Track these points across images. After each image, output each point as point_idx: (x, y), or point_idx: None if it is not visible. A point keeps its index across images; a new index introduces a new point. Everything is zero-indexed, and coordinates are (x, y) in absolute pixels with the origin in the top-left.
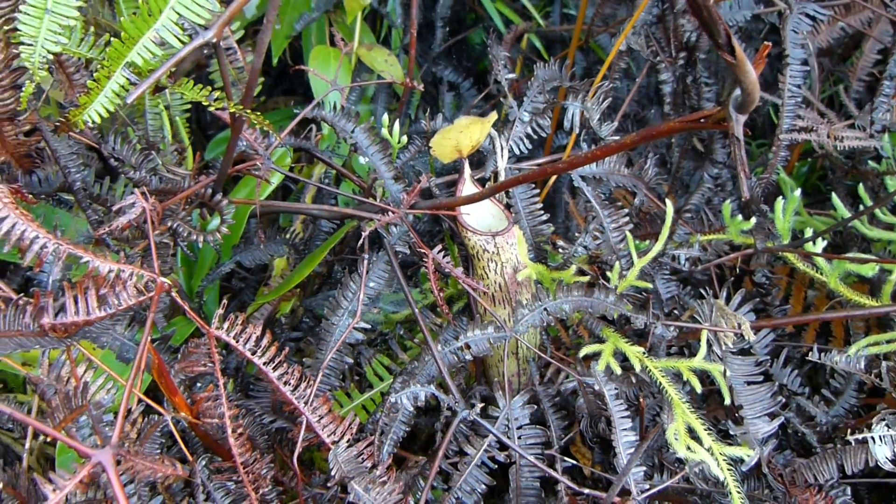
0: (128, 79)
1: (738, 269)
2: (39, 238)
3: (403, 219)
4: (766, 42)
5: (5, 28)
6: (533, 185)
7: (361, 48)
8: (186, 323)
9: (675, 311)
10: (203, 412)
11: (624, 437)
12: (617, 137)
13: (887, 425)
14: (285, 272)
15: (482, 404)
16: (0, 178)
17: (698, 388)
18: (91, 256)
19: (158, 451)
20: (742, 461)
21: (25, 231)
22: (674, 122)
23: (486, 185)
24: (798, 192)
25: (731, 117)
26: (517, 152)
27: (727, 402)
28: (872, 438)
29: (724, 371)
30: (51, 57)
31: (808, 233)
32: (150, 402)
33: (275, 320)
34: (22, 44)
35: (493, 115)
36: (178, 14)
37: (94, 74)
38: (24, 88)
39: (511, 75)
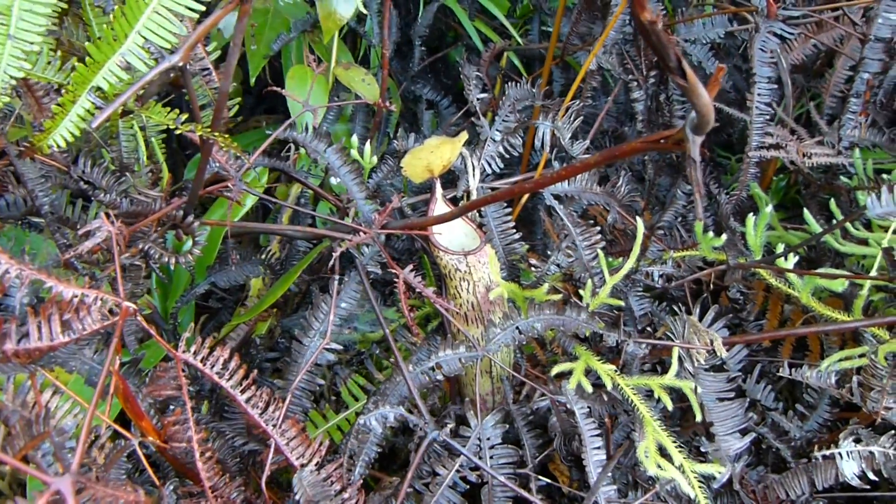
0: (93, 103)
1: (712, 286)
2: (2, 263)
3: (375, 239)
4: (721, 66)
5: None
6: (505, 205)
7: (339, 68)
8: (158, 346)
9: (649, 328)
10: (172, 436)
11: (595, 456)
12: (589, 156)
13: (855, 441)
14: (262, 292)
15: (454, 424)
16: None
17: (669, 406)
18: (55, 282)
19: (125, 476)
20: (714, 478)
21: None
22: (635, 142)
23: (459, 204)
24: (769, 207)
25: (687, 139)
26: (490, 171)
27: (699, 419)
28: (840, 454)
29: (696, 388)
30: (14, 82)
31: (781, 248)
32: (116, 427)
33: (251, 341)
34: None
35: (464, 135)
36: (145, 38)
37: (60, 99)
38: None
39: (483, 95)
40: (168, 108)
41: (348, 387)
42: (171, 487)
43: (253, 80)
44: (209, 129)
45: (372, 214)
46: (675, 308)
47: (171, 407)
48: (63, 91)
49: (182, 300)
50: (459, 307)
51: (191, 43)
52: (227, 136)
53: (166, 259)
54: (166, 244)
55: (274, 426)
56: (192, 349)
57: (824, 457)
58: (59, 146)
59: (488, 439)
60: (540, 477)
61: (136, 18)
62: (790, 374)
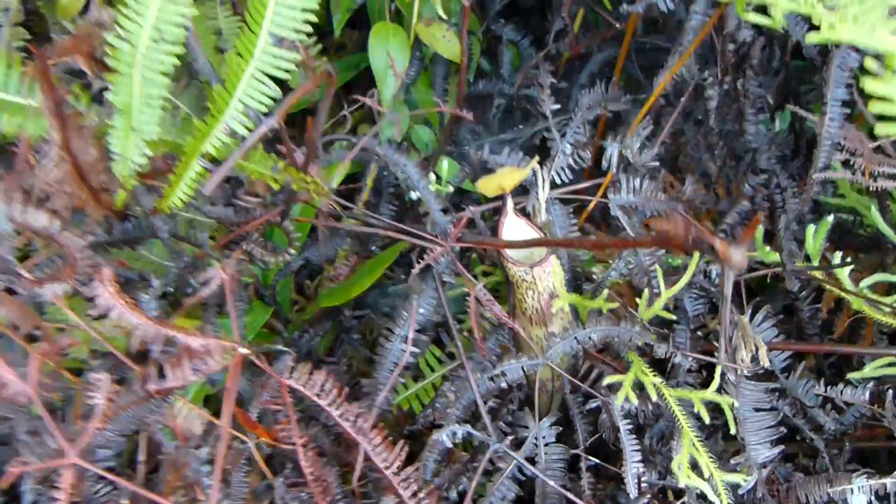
0: (204, 167)
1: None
2: (142, 324)
3: (450, 252)
4: (758, 216)
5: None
6: (572, 212)
7: (420, 24)
8: (260, 312)
9: (700, 332)
10: (280, 440)
11: (633, 469)
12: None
13: (866, 477)
14: (345, 262)
15: (511, 437)
16: (101, 256)
17: (706, 420)
18: (184, 336)
19: (244, 474)
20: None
21: (130, 319)
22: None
23: (528, 215)
24: (831, 217)
25: (721, 273)
26: (559, 181)
27: (733, 431)
28: (851, 490)
29: (733, 404)
30: (138, 168)
31: (838, 256)
32: (237, 434)
33: (339, 310)
34: (112, 159)
35: (535, 160)
36: (244, 104)
37: (175, 167)
38: (117, 195)
39: (555, 106)
40: (266, 155)
41: (426, 358)
42: (281, 480)
43: (337, 32)
44: (302, 178)
45: (448, 226)
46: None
47: (277, 411)
48: (177, 160)
49: (280, 275)
50: (524, 311)
51: (285, 107)
52: (318, 183)
53: (268, 258)
54: (266, 243)
55: (363, 435)
56: (295, 376)
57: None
58: (177, 206)
59: (544, 437)
60: (590, 458)
61: (236, 87)
62: (825, 392)
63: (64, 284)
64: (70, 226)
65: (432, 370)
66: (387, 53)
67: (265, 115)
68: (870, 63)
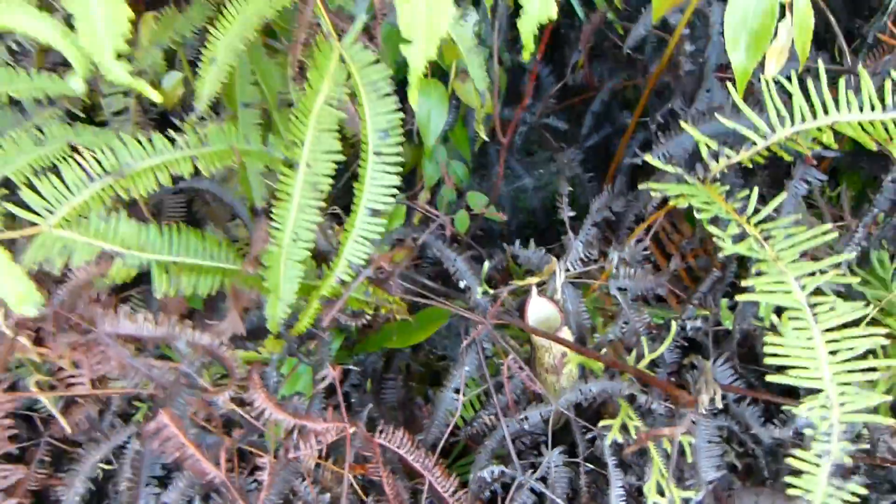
0: (321, 305)
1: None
2: (287, 421)
3: (489, 327)
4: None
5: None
6: (581, 291)
7: (457, 80)
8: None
9: (674, 378)
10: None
11: (616, 492)
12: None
13: None
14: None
15: (535, 472)
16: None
17: (670, 451)
18: (311, 423)
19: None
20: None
21: (273, 415)
22: (630, 371)
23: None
24: None
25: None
26: (573, 270)
27: (689, 460)
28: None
29: (691, 442)
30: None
31: None
32: (338, 469)
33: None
34: (264, 318)
35: (554, 262)
36: (349, 261)
37: (304, 307)
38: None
39: (571, 213)
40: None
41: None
42: (372, 497)
43: None
44: (387, 299)
45: (487, 305)
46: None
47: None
48: (305, 301)
49: None
50: (542, 365)
51: (376, 263)
52: (399, 302)
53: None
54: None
55: (428, 470)
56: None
57: None
58: (299, 334)
59: (554, 461)
60: (588, 464)
61: (343, 250)
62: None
63: (230, 391)
64: (231, 345)
65: (474, 409)
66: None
67: (364, 267)
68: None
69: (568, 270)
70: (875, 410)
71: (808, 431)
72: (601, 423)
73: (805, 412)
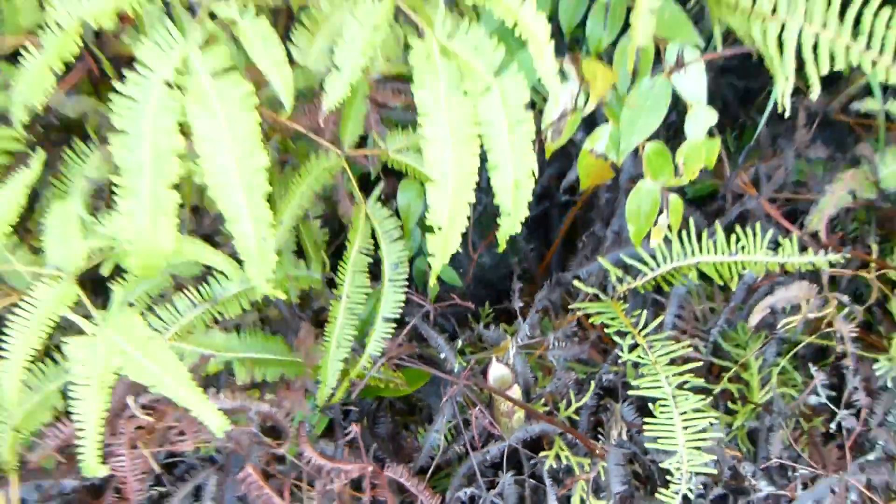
0: (349, 383)
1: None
2: (325, 464)
3: (461, 388)
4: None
5: None
6: (526, 357)
7: None
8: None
9: (593, 419)
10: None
11: (552, 502)
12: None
13: None
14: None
15: (494, 489)
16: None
17: (588, 471)
18: (342, 465)
19: None
20: None
21: (315, 460)
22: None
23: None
24: None
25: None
26: (521, 343)
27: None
28: None
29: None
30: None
31: None
32: (354, 493)
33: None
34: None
35: (508, 341)
36: (371, 354)
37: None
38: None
39: (520, 304)
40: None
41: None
42: None
43: None
44: (390, 376)
45: (461, 369)
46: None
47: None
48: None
49: None
50: (499, 410)
51: (390, 355)
52: (400, 378)
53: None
54: None
55: (421, 494)
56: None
57: None
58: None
59: (507, 481)
60: (533, 481)
61: (367, 347)
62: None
63: (286, 446)
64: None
65: (447, 441)
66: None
67: (380, 357)
68: None
69: (518, 343)
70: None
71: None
72: (542, 454)
73: (666, 465)
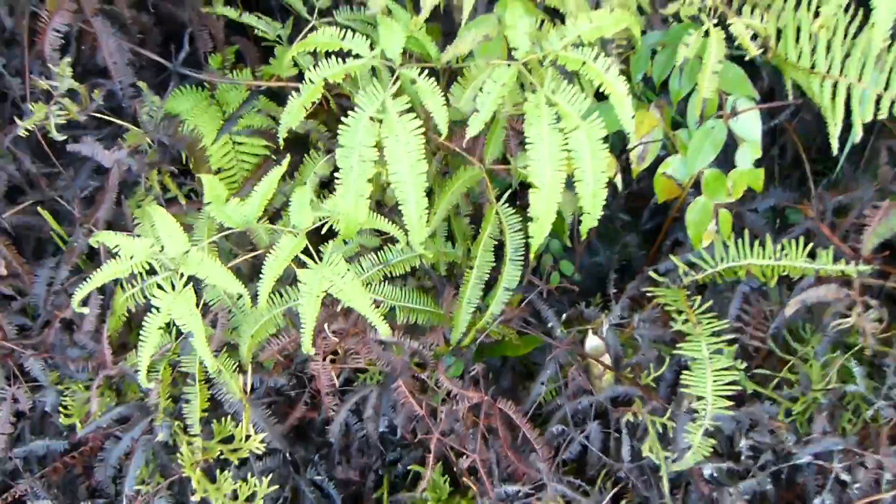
0: (476, 332)
1: None
2: (454, 390)
3: (563, 350)
4: None
5: None
6: (618, 334)
7: None
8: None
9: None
10: None
11: (626, 448)
12: None
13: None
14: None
15: (582, 432)
16: None
17: (658, 428)
18: (467, 392)
19: None
20: None
21: (446, 385)
22: None
23: (600, 335)
24: None
25: None
26: (614, 321)
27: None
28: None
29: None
30: None
31: None
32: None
33: None
34: None
35: (603, 318)
36: (493, 312)
37: (467, 333)
38: None
39: (614, 290)
40: None
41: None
42: (492, 437)
43: None
44: None
45: (564, 337)
46: None
47: None
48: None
49: None
50: (593, 374)
51: (507, 313)
52: None
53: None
54: None
55: (523, 425)
56: None
57: None
58: (462, 346)
59: (594, 427)
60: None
61: (490, 307)
62: None
63: (427, 373)
64: None
65: (552, 395)
66: None
67: (500, 314)
68: None
69: (611, 321)
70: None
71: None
72: (623, 409)
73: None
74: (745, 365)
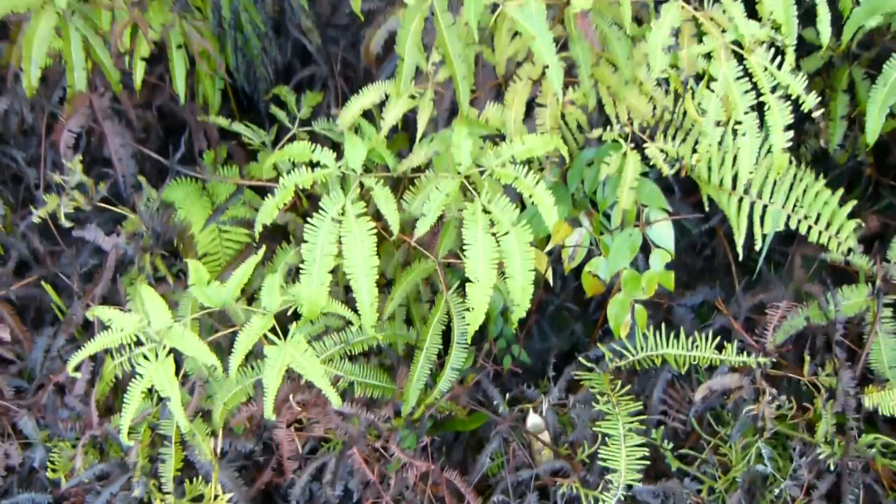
0: (425, 407)
1: None
2: (405, 460)
3: (506, 426)
4: None
5: None
6: (556, 413)
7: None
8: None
9: None
10: None
11: None
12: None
13: None
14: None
15: None
16: None
17: (591, 501)
18: (417, 462)
19: None
20: None
21: (397, 455)
22: None
23: (540, 413)
24: None
25: None
26: (553, 402)
27: None
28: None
29: None
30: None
31: None
32: (422, 485)
33: None
34: None
35: (542, 399)
36: (441, 390)
37: (417, 407)
38: None
39: (553, 373)
40: None
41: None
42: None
43: None
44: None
45: (507, 415)
46: None
47: None
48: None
49: None
50: (534, 448)
51: (454, 393)
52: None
53: (437, 415)
54: None
55: (468, 493)
56: None
57: None
58: (414, 419)
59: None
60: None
61: (437, 386)
62: None
63: (381, 442)
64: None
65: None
66: None
67: (448, 391)
68: None
69: (550, 401)
70: None
71: None
72: (559, 482)
73: (609, 477)
74: (671, 445)
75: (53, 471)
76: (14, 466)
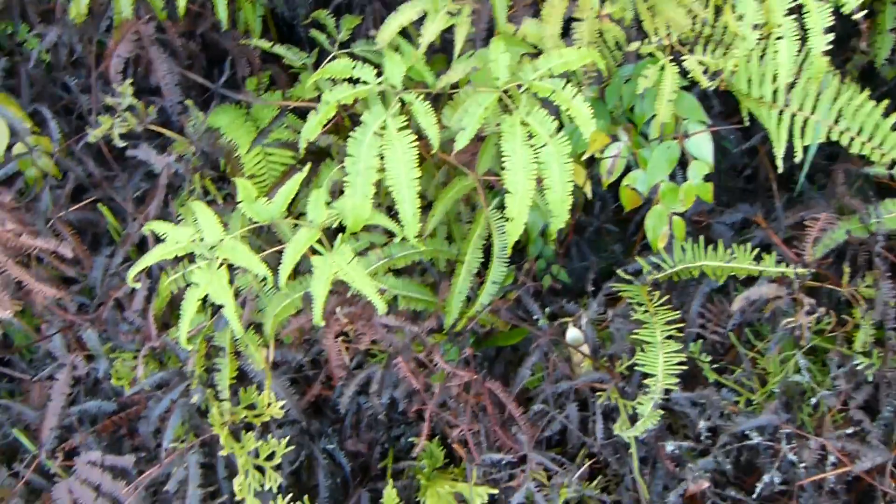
0: (467, 320)
1: None
2: (448, 370)
3: (546, 340)
4: None
5: None
6: (595, 327)
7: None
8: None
9: None
10: None
11: (601, 428)
12: None
13: None
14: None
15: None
16: None
17: (629, 410)
18: (459, 372)
19: None
20: None
21: (441, 366)
22: None
23: (579, 326)
24: None
25: None
26: (593, 316)
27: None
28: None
29: None
30: None
31: None
32: (464, 394)
33: None
34: None
35: (581, 312)
36: (482, 303)
37: (460, 319)
38: None
39: (592, 288)
40: None
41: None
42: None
43: None
44: None
45: (547, 328)
46: None
47: None
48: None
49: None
50: (574, 361)
51: (493, 304)
52: None
53: (479, 330)
54: None
55: (509, 402)
56: None
57: None
58: (456, 332)
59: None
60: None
61: (479, 298)
62: None
63: (423, 353)
64: None
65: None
66: None
67: (489, 305)
68: None
69: (590, 315)
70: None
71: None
72: (598, 393)
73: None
74: (709, 359)
75: (118, 379)
76: (81, 377)
